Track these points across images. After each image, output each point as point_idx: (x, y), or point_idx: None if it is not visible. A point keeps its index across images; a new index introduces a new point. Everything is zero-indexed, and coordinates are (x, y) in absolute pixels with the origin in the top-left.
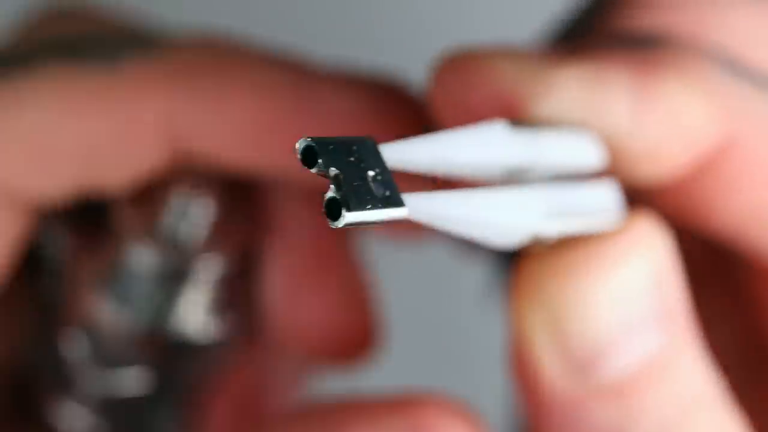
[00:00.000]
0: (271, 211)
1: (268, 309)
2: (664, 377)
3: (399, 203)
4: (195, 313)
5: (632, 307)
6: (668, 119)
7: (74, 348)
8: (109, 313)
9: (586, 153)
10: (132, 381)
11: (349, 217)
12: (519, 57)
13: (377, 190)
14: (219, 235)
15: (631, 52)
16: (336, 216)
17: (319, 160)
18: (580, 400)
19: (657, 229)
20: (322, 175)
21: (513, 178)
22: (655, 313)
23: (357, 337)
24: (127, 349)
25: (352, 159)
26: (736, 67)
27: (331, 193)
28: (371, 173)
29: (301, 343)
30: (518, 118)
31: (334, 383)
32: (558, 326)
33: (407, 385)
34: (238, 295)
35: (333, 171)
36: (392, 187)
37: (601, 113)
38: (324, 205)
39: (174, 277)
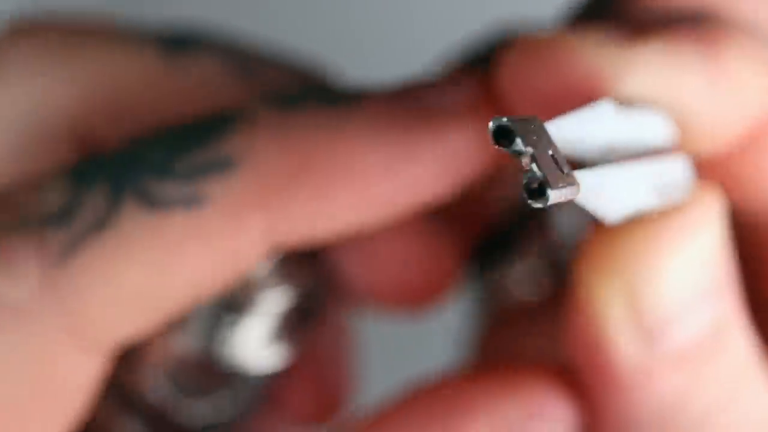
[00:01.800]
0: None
1: (338, 272)
2: (722, 346)
3: (575, 181)
4: (255, 344)
5: (698, 277)
6: (734, 93)
7: (146, 379)
8: (173, 342)
9: (662, 129)
10: (199, 408)
11: (552, 196)
12: (592, 38)
13: (561, 169)
14: (286, 269)
15: (689, 29)
16: (540, 195)
17: (517, 140)
18: (648, 368)
19: (720, 203)
20: (517, 155)
21: (612, 156)
22: (714, 284)
23: (431, 284)
24: (192, 377)
25: (535, 138)
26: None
27: (531, 173)
28: (550, 152)
29: (375, 295)
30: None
31: None
32: (633, 295)
33: None
34: (302, 326)
35: (530, 150)
36: (567, 166)
37: (679, 89)
38: (524, 186)
39: (237, 308)
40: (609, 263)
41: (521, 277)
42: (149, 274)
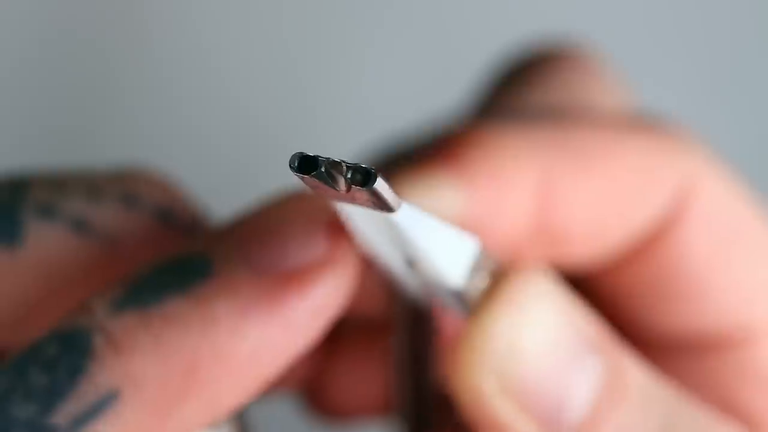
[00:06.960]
0: None
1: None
2: (625, 387)
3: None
4: None
5: (558, 340)
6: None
7: None
8: None
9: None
10: None
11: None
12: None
13: None
14: None
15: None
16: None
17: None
18: None
19: (537, 269)
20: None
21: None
22: (582, 339)
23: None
24: None
25: None
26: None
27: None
28: None
29: None
30: None
31: None
32: (515, 394)
33: None
34: None
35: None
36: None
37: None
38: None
39: None
40: (479, 370)
41: None
42: None
